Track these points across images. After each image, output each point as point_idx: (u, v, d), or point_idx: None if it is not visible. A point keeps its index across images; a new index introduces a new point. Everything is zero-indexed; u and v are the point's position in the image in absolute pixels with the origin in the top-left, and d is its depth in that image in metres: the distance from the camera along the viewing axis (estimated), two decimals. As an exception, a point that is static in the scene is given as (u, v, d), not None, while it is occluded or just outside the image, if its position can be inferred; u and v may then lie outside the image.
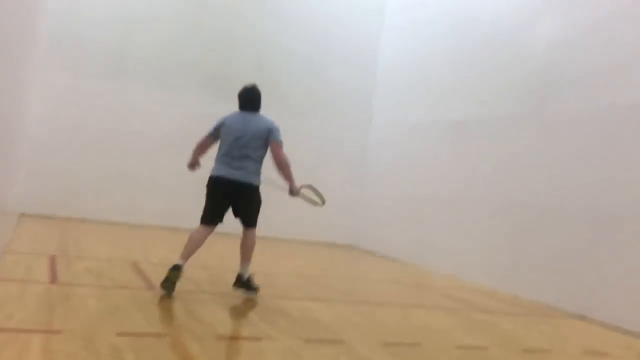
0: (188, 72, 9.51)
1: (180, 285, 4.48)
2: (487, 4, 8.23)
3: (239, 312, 4.59)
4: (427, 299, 6.43)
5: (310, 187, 5.15)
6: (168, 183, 9.11)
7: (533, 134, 7.05)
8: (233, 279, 4.93)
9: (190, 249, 4.70)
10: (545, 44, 7.03)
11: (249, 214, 4.94)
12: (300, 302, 5.11)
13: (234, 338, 3.82)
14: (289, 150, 4.85)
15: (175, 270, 4.50)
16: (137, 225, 9.02)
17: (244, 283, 4.90)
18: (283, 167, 4.85)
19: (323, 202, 5.25)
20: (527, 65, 7.24)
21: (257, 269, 5.14)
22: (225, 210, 4.88)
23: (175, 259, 4.56)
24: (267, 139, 4.85)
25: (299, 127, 9.70)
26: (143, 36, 9.23)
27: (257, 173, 4.87)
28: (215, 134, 4.98)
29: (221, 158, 4.85)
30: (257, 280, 4.99)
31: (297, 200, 5.18)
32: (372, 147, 10.54)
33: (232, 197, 4.83)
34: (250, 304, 4.73)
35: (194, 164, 5.07)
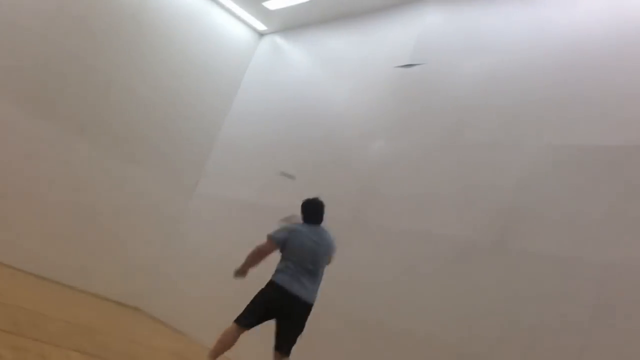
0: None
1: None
2: (329, 108, 8.88)
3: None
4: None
5: None
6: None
7: (355, 239, 7.51)
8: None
9: (221, 350, 4.42)
10: (372, 162, 7.70)
11: (294, 339, 4.54)
12: (65, 351, 4.62)
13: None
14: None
15: None
16: None
17: None
18: None
19: None
20: (347, 172, 7.84)
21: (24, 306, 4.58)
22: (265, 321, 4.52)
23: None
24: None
25: (122, 169, 9.38)
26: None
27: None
28: (282, 245, 4.60)
29: (291, 268, 4.52)
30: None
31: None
32: (189, 213, 10.32)
33: (285, 313, 4.46)
34: None
35: (244, 273, 4.63)
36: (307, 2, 9.38)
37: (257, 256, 4.82)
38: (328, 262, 5.03)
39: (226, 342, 4.50)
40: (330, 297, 6.10)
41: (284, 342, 4.52)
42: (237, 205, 9.40)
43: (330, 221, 7.66)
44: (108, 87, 9.40)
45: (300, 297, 4.53)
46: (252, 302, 4.66)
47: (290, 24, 10.43)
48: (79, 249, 9.01)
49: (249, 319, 4.59)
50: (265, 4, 9.96)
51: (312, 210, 5.04)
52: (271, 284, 4.62)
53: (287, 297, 4.50)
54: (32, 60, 8.61)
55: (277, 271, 4.69)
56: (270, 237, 4.79)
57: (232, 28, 10.88)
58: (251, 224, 8.91)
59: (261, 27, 10.92)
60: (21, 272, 8.29)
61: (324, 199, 7.74)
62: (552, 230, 5.39)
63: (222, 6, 10.59)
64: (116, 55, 9.50)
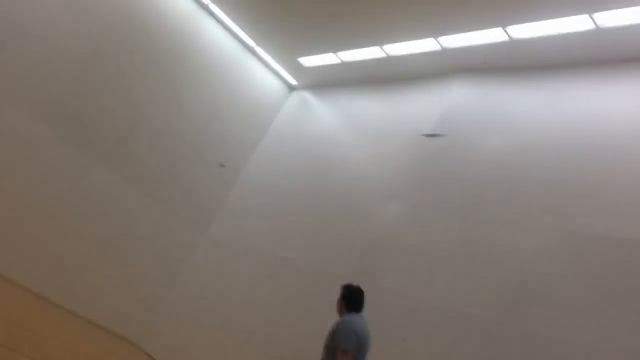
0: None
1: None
2: (350, 166, 9.04)
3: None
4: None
5: None
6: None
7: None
8: None
9: None
10: (385, 223, 7.79)
11: None
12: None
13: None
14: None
15: None
16: None
17: None
18: None
19: None
20: (360, 230, 7.90)
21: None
22: None
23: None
24: None
25: (139, 202, 9.62)
26: None
27: None
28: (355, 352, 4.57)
29: None
30: None
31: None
32: (198, 253, 10.38)
33: None
34: None
35: None
36: (339, 63, 9.73)
37: None
38: None
39: None
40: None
41: None
42: (247, 251, 9.47)
43: (335, 277, 7.71)
44: (138, 120, 9.74)
45: None
46: None
47: (321, 82, 10.79)
48: (85, 274, 9.09)
49: None
50: (300, 60, 10.35)
51: (359, 299, 5.04)
52: None
53: None
54: (71, 88, 8.98)
55: None
56: (347, 350, 4.61)
57: (266, 79, 11.27)
58: (259, 272, 8.96)
59: (293, 81, 11.30)
60: (26, 290, 8.38)
61: (332, 253, 7.82)
62: (553, 312, 5.39)
63: (259, 57, 11.01)
64: (149, 90, 9.88)
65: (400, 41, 8.45)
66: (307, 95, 11.22)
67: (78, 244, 9.06)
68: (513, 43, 7.29)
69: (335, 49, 9.49)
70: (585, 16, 6.32)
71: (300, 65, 10.53)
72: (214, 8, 10.18)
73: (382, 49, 8.79)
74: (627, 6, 5.98)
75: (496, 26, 7.15)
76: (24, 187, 8.52)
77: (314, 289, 7.85)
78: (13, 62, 8.44)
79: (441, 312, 6.22)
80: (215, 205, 10.70)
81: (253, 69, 11.10)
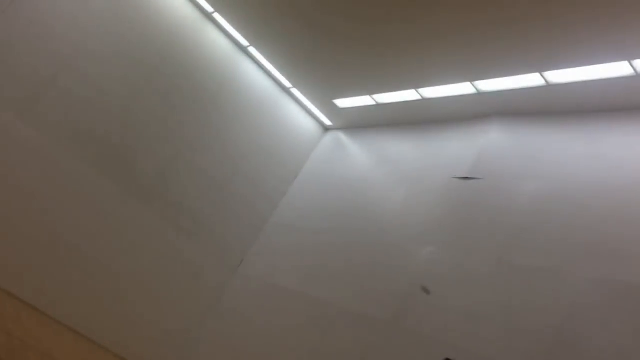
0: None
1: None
2: (383, 207, 9.03)
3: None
4: None
5: None
6: None
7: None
8: None
9: None
10: (418, 266, 7.72)
11: None
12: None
13: None
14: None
15: None
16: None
17: None
18: None
19: None
20: (393, 273, 7.83)
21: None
22: None
23: None
24: None
25: (174, 238, 9.77)
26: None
27: None
28: None
29: None
30: None
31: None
32: (230, 291, 10.38)
33: None
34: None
35: None
36: (374, 105, 9.85)
37: None
38: None
39: None
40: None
41: None
42: (278, 291, 9.44)
43: (368, 320, 7.63)
44: (176, 157, 9.98)
45: None
46: None
47: (356, 123, 10.91)
48: (117, 309, 9.17)
49: None
50: (335, 101, 10.51)
51: None
52: None
53: None
54: (113, 126, 9.31)
55: None
56: None
57: (301, 119, 11.47)
58: (289, 313, 8.91)
59: (328, 122, 11.46)
60: (57, 322, 8.49)
61: (365, 294, 7.73)
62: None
63: (295, 98, 11.24)
64: (188, 129, 10.14)
65: (436, 85, 8.53)
66: (342, 136, 11.34)
67: (111, 278, 9.18)
68: (550, 88, 7.29)
69: (370, 92, 9.62)
70: (625, 63, 6.30)
71: (335, 106, 10.69)
72: (253, 51, 10.48)
73: (418, 92, 8.87)
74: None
75: (534, 71, 7.17)
76: (63, 220, 8.76)
77: (345, 331, 7.76)
78: (62, 98, 8.82)
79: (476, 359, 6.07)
80: (248, 243, 10.75)
81: (289, 109, 11.32)
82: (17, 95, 8.48)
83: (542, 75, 7.15)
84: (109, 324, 9.04)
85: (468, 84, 8.08)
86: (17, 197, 8.40)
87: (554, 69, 6.98)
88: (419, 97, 8.99)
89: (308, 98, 11.06)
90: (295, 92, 11.04)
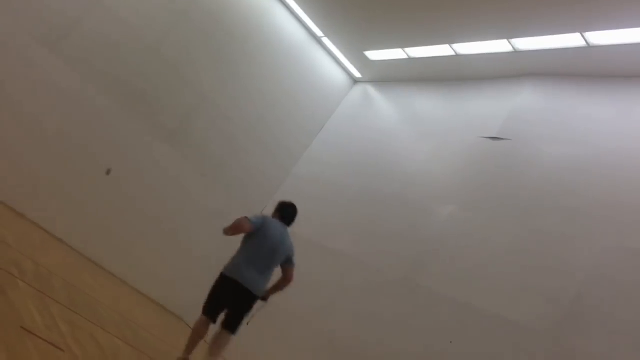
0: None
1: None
2: (407, 164, 8.94)
3: None
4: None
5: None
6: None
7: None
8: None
9: (193, 342, 4.84)
10: (437, 226, 7.68)
11: (240, 321, 5.01)
12: (112, 337, 4.83)
13: None
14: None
15: None
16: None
17: None
18: (287, 286, 5.23)
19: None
20: (412, 230, 7.81)
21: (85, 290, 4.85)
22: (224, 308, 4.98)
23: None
24: (286, 260, 5.16)
25: (195, 181, 9.86)
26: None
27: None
28: (256, 230, 5.02)
29: (247, 261, 4.97)
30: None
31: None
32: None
33: (237, 299, 4.92)
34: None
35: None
36: (406, 59, 9.62)
37: (235, 230, 5.08)
38: (291, 265, 5.29)
39: (197, 332, 4.96)
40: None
41: (234, 322, 4.99)
42: (296, 241, 9.49)
43: (381, 275, 7.67)
44: (201, 102, 9.96)
45: (251, 288, 4.94)
46: (211, 293, 5.07)
47: (386, 77, 10.70)
48: (138, 247, 9.37)
49: (211, 309, 5.01)
50: (367, 53, 10.29)
51: (289, 214, 5.46)
52: (224, 277, 5.00)
53: (238, 286, 4.91)
54: (141, 68, 9.31)
55: (234, 264, 5.05)
56: (249, 220, 5.04)
57: (330, 70, 11.28)
58: (307, 263, 9.00)
59: (357, 74, 11.26)
60: (82, 256, 8.75)
61: (382, 251, 7.77)
62: (605, 330, 5.18)
63: (326, 48, 11.03)
64: (215, 74, 10.06)
65: (471, 41, 8.27)
66: (371, 89, 11.15)
67: (135, 217, 9.37)
68: (590, 50, 7.00)
69: (403, 45, 9.37)
70: (672, 26, 6.00)
71: (366, 58, 10.47)
72: (285, -4, 10.28)
73: (452, 47, 8.62)
74: None
75: (575, 31, 6.88)
76: (90, 155, 8.91)
77: (361, 285, 7.82)
78: (92, 41, 8.84)
79: (490, 317, 6.08)
80: (269, 193, 10.77)
81: (319, 59, 11.12)
82: (49, 32, 8.51)
83: (582, 35, 6.86)
84: (131, 261, 9.27)
85: (505, 41, 7.81)
86: (48, 130, 8.56)
87: (596, 29, 6.68)
88: (452, 53, 8.74)
89: (339, 48, 10.84)
90: (326, 41, 10.82)
